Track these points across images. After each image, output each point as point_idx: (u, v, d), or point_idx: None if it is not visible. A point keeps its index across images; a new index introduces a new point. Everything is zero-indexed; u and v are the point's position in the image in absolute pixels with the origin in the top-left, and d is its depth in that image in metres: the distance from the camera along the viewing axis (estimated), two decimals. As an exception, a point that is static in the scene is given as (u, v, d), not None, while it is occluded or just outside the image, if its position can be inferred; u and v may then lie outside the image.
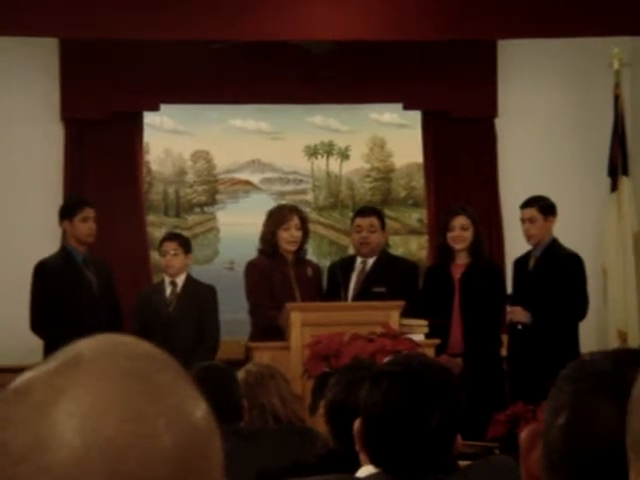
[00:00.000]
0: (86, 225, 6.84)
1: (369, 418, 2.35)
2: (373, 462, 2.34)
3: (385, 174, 8.71)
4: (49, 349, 6.33)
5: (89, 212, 6.88)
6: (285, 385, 4.09)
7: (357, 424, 2.39)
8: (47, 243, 7.36)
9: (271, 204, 7.75)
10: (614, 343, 7.50)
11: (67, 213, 6.90)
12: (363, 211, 7.16)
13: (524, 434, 1.21)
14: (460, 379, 2.50)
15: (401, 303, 6.24)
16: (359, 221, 6.96)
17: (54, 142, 8.08)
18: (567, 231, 7.12)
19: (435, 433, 2.29)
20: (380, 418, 2.32)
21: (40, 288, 6.77)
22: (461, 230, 6.88)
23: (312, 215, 8.11)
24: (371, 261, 6.93)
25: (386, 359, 2.73)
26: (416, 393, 2.31)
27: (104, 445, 0.81)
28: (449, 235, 6.90)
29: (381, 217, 7.08)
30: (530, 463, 1.20)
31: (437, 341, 6.33)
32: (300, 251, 6.90)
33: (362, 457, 2.39)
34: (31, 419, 0.82)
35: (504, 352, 6.97)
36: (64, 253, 6.91)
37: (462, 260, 6.92)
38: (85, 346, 0.87)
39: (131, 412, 0.82)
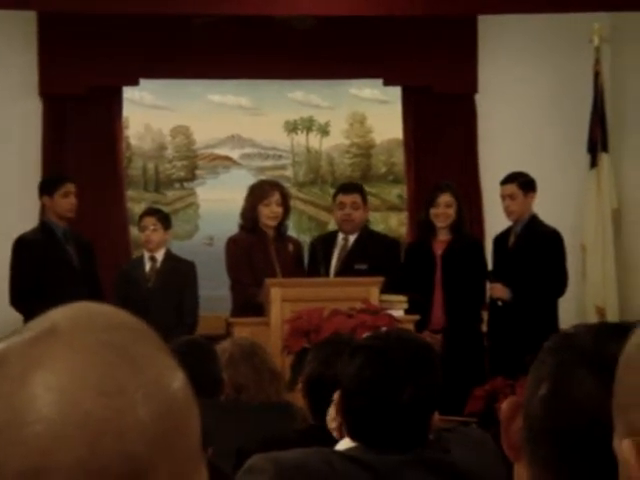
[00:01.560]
0: (67, 200, 6.83)
1: (345, 391, 2.37)
2: (351, 434, 2.35)
3: (365, 150, 8.70)
4: (28, 324, 6.31)
5: (70, 187, 6.86)
6: (265, 361, 4.08)
7: (337, 395, 2.40)
8: (26, 219, 7.32)
9: (251, 180, 7.74)
10: (592, 319, 7.52)
11: (47, 188, 6.88)
12: (346, 188, 7.14)
13: (505, 405, 1.21)
14: (440, 356, 2.51)
15: (381, 279, 6.24)
16: (342, 198, 6.95)
17: (32, 118, 8.02)
18: (547, 207, 7.13)
19: (407, 408, 2.30)
20: (355, 392, 2.34)
21: (20, 263, 6.76)
22: (445, 207, 6.88)
23: (292, 191, 8.09)
24: (353, 238, 6.93)
25: (365, 334, 2.74)
26: (388, 368, 2.31)
27: (82, 419, 0.80)
28: (432, 211, 6.90)
29: (364, 194, 7.07)
30: (511, 434, 1.20)
31: (416, 317, 6.34)
32: (281, 227, 6.90)
33: (343, 429, 2.41)
34: (6, 392, 0.81)
35: (484, 328, 7.00)
36: (44, 228, 6.89)
37: (444, 236, 6.93)
38: (61, 316, 0.86)
39: (109, 385, 0.81)
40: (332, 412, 2.74)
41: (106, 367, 0.82)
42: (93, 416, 0.80)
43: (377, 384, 2.31)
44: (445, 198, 6.89)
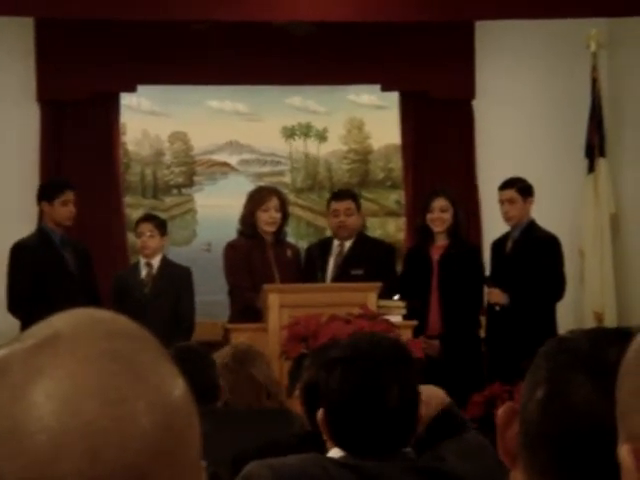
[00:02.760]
0: (66, 209, 6.83)
1: (330, 405, 2.36)
2: (340, 445, 2.35)
3: (363, 156, 8.70)
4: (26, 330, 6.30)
5: (70, 195, 6.86)
6: (264, 369, 4.06)
7: (320, 413, 2.39)
8: (23, 225, 7.32)
9: (249, 186, 7.73)
10: (590, 324, 7.52)
11: (47, 195, 6.88)
12: (339, 195, 7.16)
13: (501, 411, 1.21)
14: (409, 350, 2.49)
15: (379, 285, 6.24)
16: (335, 205, 6.97)
17: (30, 123, 8.02)
18: (544, 213, 7.13)
19: (395, 410, 2.29)
20: (340, 405, 2.32)
21: (17, 269, 6.76)
22: (440, 212, 6.89)
23: (290, 197, 8.09)
24: (348, 243, 6.94)
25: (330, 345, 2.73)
26: (369, 374, 2.31)
27: (84, 429, 0.79)
28: (428, 217, 6.91)
29: (357, 200, 7.09)
30: (507, 440, 1.19)
31: (414, 322, 6.33)
32: (280, 233, 6.90)
33: (329, 445, 2.40)
34: (7, 400, 0.80)
35: (482, 333, 6.99)
36: (41, 234, 6.89)
37: (441, 242, 6.93)
38: (63, 323, 0.85)
39: (111, 395, 0.81)
40: None
41: (108, 376, 0.82)
42: (95, 426, 0.80)
43: (362, 391, 2.30)
44: (440, 203, 6.89)
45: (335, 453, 2.35)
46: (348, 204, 6.94)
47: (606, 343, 1.16)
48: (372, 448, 2.30)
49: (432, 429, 2.54)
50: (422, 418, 2.39)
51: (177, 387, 0.86)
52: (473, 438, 2.53)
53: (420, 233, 7.06)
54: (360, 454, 2.30)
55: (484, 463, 2.35)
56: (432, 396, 2.60)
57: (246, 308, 6.55)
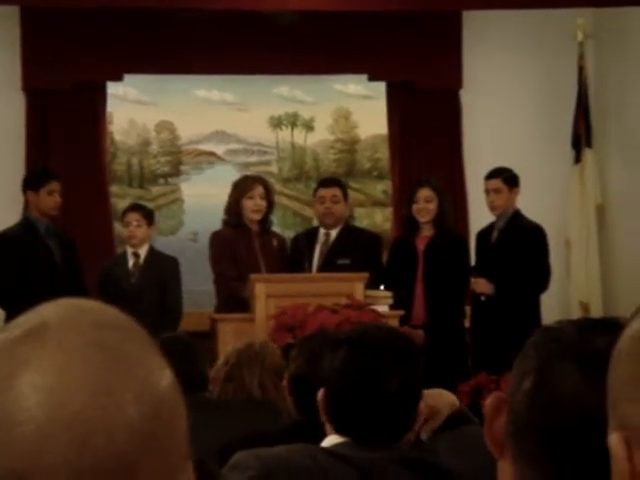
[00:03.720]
0: (51, 198, 6.81)
1: (330, 386, 2.36)
2: (337, 431, 2.35)
3: (350, 145, 8.69)
4: (11, 320, 6.28)
5: (55, 185, 6.84)
6: (273, 376, 3.99)
7: (320, 393, 2.39)
8: (9, 214, 7.29)
9: (235, 175, 7.72)
10: (576, 315, 7.53)
11: (32, 184, 6.86)
12: (326, 182, 7.18)
13: (489, 401, 1.20)
14: (419, 346, 2.51)
15: (366, 275, 6.25)
16: (322, 192, 6.97)
17: (16, 112, 7.99)
18: (530, 203, 7.14)
19: (395, 398, 2.30)
20: (340, 386, 2.33)
21: (2, 259, 6.73)
22: (425, 202, 6.89)
23: (276, 186, 8.08)
24: (334, 233, 6.94)
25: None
26: (373, 358, 2.31)
27: (71, 420, 0.79)
28: (414, 207, 6.92)
29: (344, 188, 7.09)
30: (495, 430, 1.20)
31: (401, 312, 6.35)
32: (265, 222, 6.89)
33: (327, 427, 2.40)
34: None
35: (467, 323, 7.00)
36: (26, 223, 6.87)
37: (427, 232, 6.94)
38: (49, 314, 0.85)
39: (98, 386, 0.81)
40: None
41: (95, 367, 0.81)
42: (82, 416, 0.79)
43: (363, 376, 2.31)
44: (425, 193, 6.90)
45: (330, 441, 2.35)
46: (334, 191, 6.95)
47: (594, 333, 1.16)
48: (369, 432, 2.30)
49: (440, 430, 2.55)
50: (428, 421, 2.39)
51: (164, 378, 0.85)
52: (470, 431, 2.53)
53: (406, 223, 7.07)
54: (357, 438, 2.30)
55: (479, 456, 2.35)
56: (441, 402, 2.61)
57: (231, 297, 6.55)
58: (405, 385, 2.32)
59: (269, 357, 4.03)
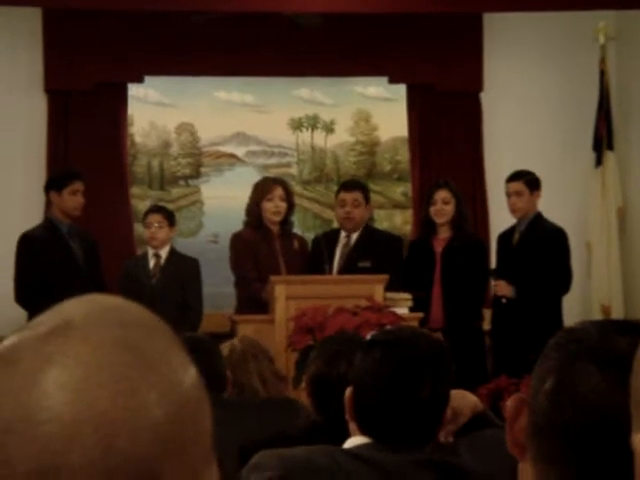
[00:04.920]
0: (74, 198, 6.82)
1: (360, 387, 2.35)
2: (363, 431, 2.34)
3: (370, 148, 8.69)
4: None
5: (79, 185, 6.86)
6: (268, 365, 4.07)
7: (348, 392, 2.38)
8: (31, 215, 7.33)
9: (255, 177, 7.73)
10: (597, 317, 7.51)
11: (56, 184, 6.87)
12: (347, 185, 7.14)
13: (510, 402, 1.20)
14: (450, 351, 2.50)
15: (385, 277, 6.23)
16: (343, 195, 6.95)
17: (38, 113, 8.03)
18: (552, 205, 7.13)
19: (426, 403, 2.29)
20: (371, 387, 2.31)
21: (25, 260, 6.76)
22: (443, 204, 6.88)
23: (296, 189, 8.09)
24: (355, 235, 6.93)
25: (370, 332, 2.72)
26: (408, 362, 2.30)
27: (96, 419, 0.79)
28: (431, 209, 6.91)
29: (365, 191, 7.06)
30: (516, 431, 1.19)
31: (421, 315, 6.33)
32: (286, 224, 6.89)
33: (351, 427, 2.39)
34: (18, 389, 0.80)
35: (487, 326, 6.98)
36: (48, 224, 6.89)
37: (444, 234, 6.93)
38: (74, 311, 0.84)
39: (123, 385, 0.80)
40: None
41: (120, 366, 0.81)
42: (107, 417, 0.79)
43: (397, 379, 2.29)
44: (442, 194, 6.89)
45: (354, 442, 2.34)
46: (356, 195, 6.93)
47: (615, 333, 1.16)
48: (395, 435, 2.29)
49: (463, 433, 2.54)
50: (449, 422, 2.38)
51: (189, 375, 0.85)
52: (492, 434, 2.51)
53: (424, 225, 7.06)
54: (381, 440, 2.29)
55: (500, 459, 2.35)
56: (464, 404, 2.60)
57: (252, 298, 6.55)
58: (437, 391, 2.30)
59: (252, 349, 4.06)
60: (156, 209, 7.09)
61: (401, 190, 8.70)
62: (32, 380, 0.80)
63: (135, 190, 8.39)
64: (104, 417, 0.79)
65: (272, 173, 8.23)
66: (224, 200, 8.37)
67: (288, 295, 6.12)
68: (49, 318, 0.84)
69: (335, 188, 7.48)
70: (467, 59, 8.28)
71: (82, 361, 0.80)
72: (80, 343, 0.81)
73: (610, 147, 8.08)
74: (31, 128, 8.01)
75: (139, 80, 8.22)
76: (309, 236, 7.73)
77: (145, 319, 0.86)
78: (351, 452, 2.28)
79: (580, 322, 1.23)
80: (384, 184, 8.69)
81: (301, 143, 8.64)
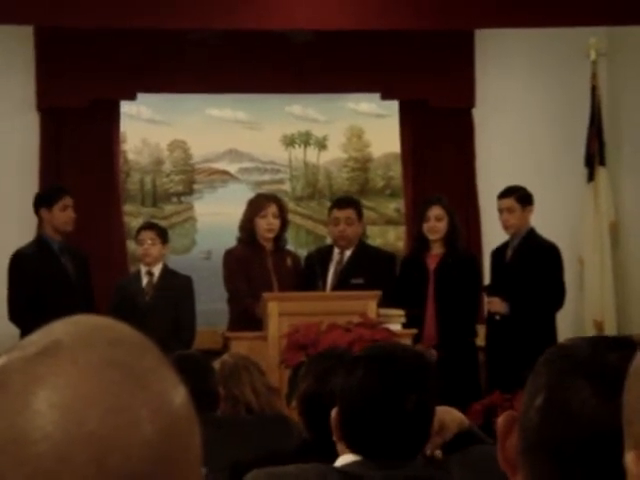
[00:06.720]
0: (65, 214, 6.84)
1: (346, 405, 2.35)
2: (351, 449, 2.33)
3: (363, 164, 8.70)
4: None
5: (68, 201, 6.87)
6: (259, 377, 4.09)
7: (334, 413, 2.38)
8: (25, 233, 7.32)
9: (248, 194, 7.73)
10: (590, 333, 7.51)
11: (46, 201, 6.88)
12: (340, 203, 7.14)
13: (501, 419, 1.20)
14: (434, 364, 2.51)
15: (378, 293, 6.24)
16: (336, 213, 6.96)
17: (30, 131, 8.03)
18: (544, 221, 7.14)
19: (412, 416, 2.29)
20: (357, 403, 2.32)
21: (17, 278, 6.77)
22: (435, 221, 6.89)
23: (290, 205, 8.09)
24: (349, 252, 6.93)
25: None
26: (391, 376, 2.31)
27: (88, 438, 0.79)
28: (424, 225, 6.92)
29: (358, 208, 7.07)
30: (507, 448, 1.19)
31: (414, 331, 6.33)
32: (279, 240, 6.90)
33: (340, 447, 2.39)
34: (9, 409, 0.80)
35: (481, 342, 6.98)
36: (40, 242, 6.89)
37: (437, 250, 6.93)
38: (63, 331, 0.85)
39: (114, 403, 0.80)
40: None
41: (110, 384, 0.81)
42: (98, 435, 0.79)
43: (382, 393, 2.30)
44: (435, 211, 6.90)
45: (343, 460, 2.34)
46: (349, 213, 6.93)
47: (606, 349, 1.16)
48: (384, 451, 2.29)
49: (451, 450, 2.53)
50: (435, 435, 2.38)
51: (179, 394, 0.85)
52: (482, 450, 2.51)
53: (417, 242, 7.06)
54: (371, 456, 2.29)
55: (490, 476, 2.34)
56: (450, 418, 2.60)
57: (244, 314, 6.55)
58: (422, 403, 2.31)
59: (244, 361, 4.09)
60: (149, 226, 7.10)
61: (394, 206, 8.70)
62: (23, 401, 0.80)
63: (128, 207, 8.39)
64: (95, 435, 0.79)
65: (265, 190, 8.23)
66: (217, 217, 8.37)
67: (281, 312, 6.13)
68: (38, 339, 0.85)
69: (328, 204, 7.48)
70: (459, 75, 8.30)
71: (72, 381, 0.81)
72: (69, 363, 0.81)
73: (602, 163, 8.09)
74: (24, 146, 8.01)
75: (131, 97, 8.23)
76: (302, 252, 7.73)
77: (134, 338, 0.86)
78: (342, 470, 2.28)
79: (571, 338, 1.23)
80: (377, 200, 8.70)
81: (294, 159, 8.64)
